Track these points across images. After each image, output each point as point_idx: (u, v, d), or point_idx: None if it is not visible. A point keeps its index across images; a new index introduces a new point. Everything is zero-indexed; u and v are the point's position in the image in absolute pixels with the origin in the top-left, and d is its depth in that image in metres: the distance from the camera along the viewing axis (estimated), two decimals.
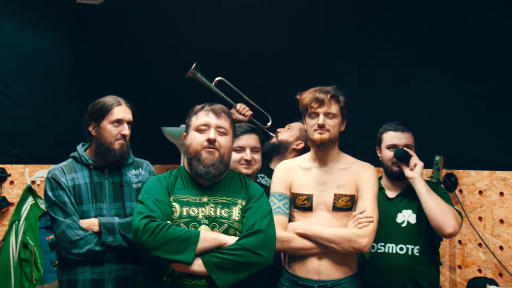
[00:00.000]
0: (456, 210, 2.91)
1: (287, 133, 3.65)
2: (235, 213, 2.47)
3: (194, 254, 2.27)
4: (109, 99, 2.86)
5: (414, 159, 2.97)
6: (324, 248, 2.67)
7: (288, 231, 2.74)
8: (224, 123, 2.55)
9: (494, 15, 3.54)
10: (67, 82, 4.92)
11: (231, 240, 2.34)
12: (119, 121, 2.80)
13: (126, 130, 2.80)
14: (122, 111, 2.82)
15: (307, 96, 2.79)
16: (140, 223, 2.30)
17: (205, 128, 2.52)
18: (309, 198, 2.77)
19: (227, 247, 2.31)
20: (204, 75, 3.66)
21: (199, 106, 2.62)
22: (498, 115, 3.51)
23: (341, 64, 4.92)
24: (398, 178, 3.06)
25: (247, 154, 3.04)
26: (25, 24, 4.62)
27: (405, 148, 3.03)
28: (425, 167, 3.11)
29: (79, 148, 2.90)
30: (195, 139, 2.52)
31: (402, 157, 3.01)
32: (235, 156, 3.04)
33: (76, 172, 2.80)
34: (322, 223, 2.72)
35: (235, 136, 3.03)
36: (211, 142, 2.48)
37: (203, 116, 2.55)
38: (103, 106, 2.82)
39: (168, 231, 2.28)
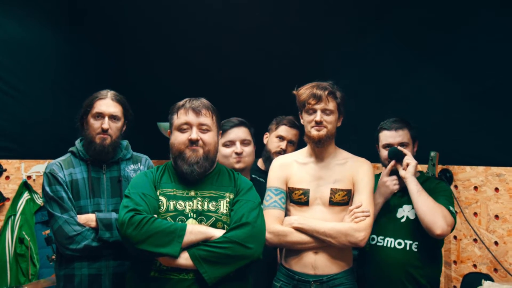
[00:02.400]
0: (451, 210, 2.88)
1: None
2: (223, 206, 2.45)
3: (180, 247, 2.24)
4: (97, 93, 2.86)
5: (407, 159, 2.94)
6: (321, 243, 2.68)
7: (284, 225, 2.74)
8: (206, 119, 2.51)
9: (492, 14, 3.54)
10: (63, 77, 4.90)
11: (218, 233, 2.32)
12: (100, 115, 2.79)
13: (105, 124, 2.77)
14: (103, 104, 2.80)
15: (304, 92, 2.79)
16: (125, 217, 2.27)
17: (186, 128, 2.49)
18: (306, 192, 2.78)
19: (214, 240, 2.29)
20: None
21: (179, 103, 2.57)
22: (493, 112, 3.52)
23: (339, 62, 4.93)
24: (396, 175, 3.04)
25: (237, 147, 3.03)
26: (23, 20, 4.60)
27: (398, 147, 3.00)
28: (421, 162, 3.12)
29: (77, 143, 2.90)
30: (177, 139, 2.50)
31: (395, 156, 2.99)
32: (225, 150, 3.04)
33: (74, 167, 2.80)
34: (319, 218, 2.73)
35: (224, 131, 3.02)
36: (193, 142, 2.46)
37: (183, 115, 2.51)
38: (88, 100, 2.83)
39: (154, 224, 2.25)
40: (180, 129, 2.50)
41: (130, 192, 2.42)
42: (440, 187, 3.03)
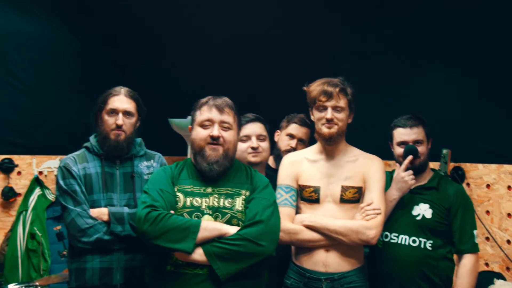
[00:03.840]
0: (476, 243, 2.93)
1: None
2: (238, 203, 2.47)
3: (194, 243, 2.27)
4: (110, 90, 2.88)
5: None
6: (332, 240, 2.67)
7: (295, 223, 2.73)
8: (228, 117, 2.54)
9: (501, 8, 3.51)
10: (74, 73, 4.93)
11: (232, 230, 2.34)
12: (114, 111, 2.81)
13: (120, 120, 2.80)
14: (117, 101, 2.83)
15: (315, 89, 2.77)
16: (142, 212, 2.32)
17: (208, 124, 2.51)
18: (316, 190, 2.77)
19: (228, 237, 2.31)
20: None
21: (203, 100, 2.60)
22: (506, 109, 3.50)
23: (346, 57, 4.91)
24: (413, 173, 3.02)
25: (253, 142, 3.05)
26: (32, 15, 4.62)
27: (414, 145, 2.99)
28: (433, 160, 3.10)
29: (92, 138, 2.93)
30: (199, 135, 2.52)
31: (412, 153, 2.98)
32: (241, 145, 3.04)
33: (88, 162, 2.83)
34: (329, 215, 2.72)
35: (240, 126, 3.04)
36: (214, 138, 2.49)
37: (206, 112, 2.53)
38: (102, 97, 2.86)
39: (169, 220, 2.29)
40: (202, 125, 2.52)
41: (148, 188, 2.46)
42: (464, 200, 3.01)
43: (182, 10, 5.04)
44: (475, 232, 2.94)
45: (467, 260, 2.90)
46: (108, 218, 2.70)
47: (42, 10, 4.71)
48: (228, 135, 2.53)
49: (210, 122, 2.51)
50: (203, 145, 2.50)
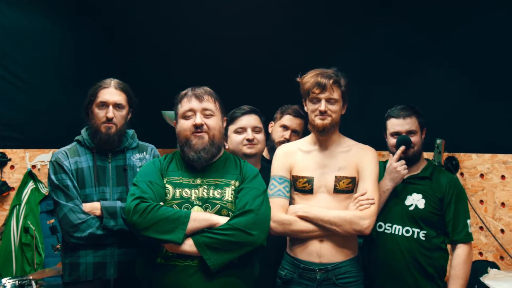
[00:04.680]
0: (469, 233, 2.93)
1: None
2: (228, 194, 2.48)
3: (184, 234, 2.28)
4: (100, 82, 2.86)
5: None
6: (326, 231, 2.67)
7: (289, 213, 2.73)
8: (209, 104, 2.55)
9: (498, 3, 3.51)
10: (68, 66, 4.90)
11: (222, 220, 2.35)
12: (104, 104, 2.80)
13: (110, 112, 2.78)
14: (107, 93, 2.81)
15: (308, 81, 2.75)
16: (131, 204, 2.32)
17: (191, 114, 2.53)
18: (310, 180, 2.76)
19: (218, 227, 2.32)
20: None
21: (182, 93, 2.62)
22: (499, 99, 3.50)
23: (345, 49, 4.89)
24: (406, 163, 3.01)
25: (249, 134, 3.04)
26: (27, 9, 4.59)
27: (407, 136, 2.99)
28: (427, 150, 3.11)
29: (83, 131, 2.91)
30: (183, 126, 2.53)
31: (404, 143, 2.98)
32: (237, 137, 3.05)
33: (80, 155, 2.82)
34: (323, 206, 2.72)
35: (235, 118, 3.04)
36: (198, 127, 2.49)
37: (186, 103, 2.55)
38: (92, 90, 2.84)
39: (158, 211, 2.29)
40: (185, 117, 2.54)
41: (137, 180, 2.47)
42: (457, 189, 3.01)
43: (177, 3, 5.01)
44: (468, 221, 2.94)
45: (461, 250, 2.91)
46: (101, 213, 2.70)
47: (39, 4, 4.68)
48: (212, 122, 2.53)
49: (192, 111, 2.53)
50: (188, 135, 2.51)
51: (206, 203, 2.43)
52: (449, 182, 3.00)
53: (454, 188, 2.99)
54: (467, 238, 2.92)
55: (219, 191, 2.48)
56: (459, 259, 2.89)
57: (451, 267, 2.91)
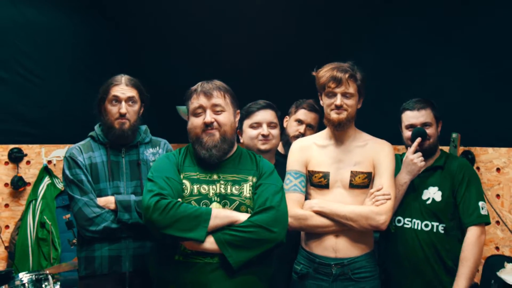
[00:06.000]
0: (483, 214, 2.85)
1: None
2: (246, 190, 2.46)
3: (206, 232, 2.26)
4: (111, 79, 2.87)
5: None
6: (341, 226, 2.66)
7: (304, 209, 2.73)
8: (218, 100, 2.50)
9: None
10: (82, 62, 4.92)
11: (243, 217, 2.33)
12: (116, 100, 2.81)
13: (123, 108, 2.79)
14: (118, 90, 2.82)
15: (324, 75, 2.73)
16: (150, 201, 2.28)
17: (200, 111, 2.49)
18: (326, 175, 2.75)
19: (239, 224, 2.30)
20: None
21: (192, 88, 2.57)
22: None
23: (359, 44, 4.87)
24: (422, 156, 2.99)
25: (264, 129, 3.03)
26: (41, 6, 4.61)
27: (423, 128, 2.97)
28: (442, 144, 3.08)
29: (96, 127, 2.92)
30: (193, 123, 2.50)
31: (420, 135, 2.96)
32: (252, 132, 3.04)
33: (93, 151, 2.83)
34: (339, 201, 2.71)
35: (251, 113, 3.03)
36: (208, 125, 2.46)
37: (196, 100, 2.50)
38: (103, 87, 2.85)
39: (180, 208, 2.26)
40: (195, 114, 2.50)
41: (153, 175, 2.42)
42: (471, 177, 2.96)
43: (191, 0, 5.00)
44: (480, 203, 2.87)
45: (471, 233, 2.83)
46: (115, 207, 2.70)
47: (53, 1, 4.70)
48: (223, 118, 2.49)
49: (201, 109, 2.48)
50: (199, 132, 2.48)
51: (224, 199, 2.41)
52: (459, 166, 2.98)
53: (465, 170, 2.96)
54: (478, 220, 2.84)
55: (237, 187, 2.45)
56: (468, 241, 2.82)
57: (461, 250, 2.84)
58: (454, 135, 3.68)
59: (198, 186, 2.44)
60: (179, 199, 2.34)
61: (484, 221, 2.85)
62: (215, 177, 2.47)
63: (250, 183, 2.48)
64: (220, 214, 2.31)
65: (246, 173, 2.51)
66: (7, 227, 4.43)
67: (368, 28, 4.81)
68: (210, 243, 2.27)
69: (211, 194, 2.42)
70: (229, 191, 2.44)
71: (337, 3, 4.83)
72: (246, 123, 3.10)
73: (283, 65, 5.07)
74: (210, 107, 2.48)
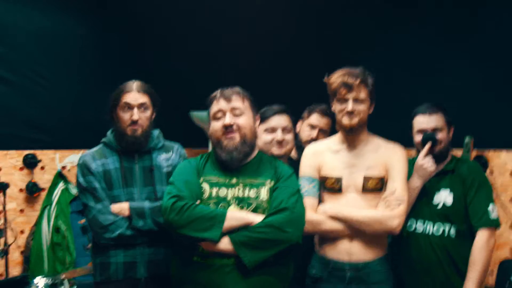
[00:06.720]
0: (493, 219, 2.83)
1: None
2: (264, 193, 2.49)
3: (221, 232, 2.31)
4: (122, 86, 2.86)
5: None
6: (355, 230, 2.67)
7: (318, 213, 2.73)
8: (238, 103, 2.55)
9: None
10: (95, 67, 4.95)
11: (258, 218, 2.37)
12: (128, 106, 2.80)
13: (135, 115, 2.78)
14: (130, 97, 2.80)
15: (335, 81, 2.74)
16: (168, 202, 2.38)
17: (220, 115, 2.54)
18: (339, 180, 2.76)
19: (253, 225, 2.34)
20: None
21: (212, 95, 2.63)
22: None
23: (374, 47, 4.86)
24: (432, 156, 2.99)
25: (278, 135, 3.02)
26: (50, 11, 4.65)
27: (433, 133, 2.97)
28: (455, 147, 3.07)
29: (109, 133, 2.93)
30: (214, 127, 2.56)
31: (430, 139, 2.96)
32: (266, 137, 3.03)
33: (107, 157, 2.83)
34: (352, 205, 2.72)
35: (266, 117, 3.04)
36: (227, 127, 2.51)
37: (216, 104, 2.57)
38: (114, 94, 2.84)
39: (195, 210, 2.34)
40: (215, 118, 2.56)
41: (174, 179, 2.52)
42: (481, 181, 2.94)
43: (202, 3, 5.03)
44: (490, 206, 2.85)
45: (480, 236, 2.81)
46: (129, 213, 2.71)
47: (58, 5, 4.73)
48: (242, 120, 2.54)
49: (221, 112, 2.54)
50: (219, 136, 2.53)
51: (242, 202, 2.45)
52: (469, 169, 2.96)
53: (475, 173, 2.94)
54: (487, 223, 2.82)
55: (255, 190, 2.49)
56: (477, 244, 2.79)
57: (471, 254, 2.82)
58: (467, 139, 3.67)
59: (216, 189, 2.49)
60: (197, 202, 2.40)
61: (493, 225, 2.83)
62: (234, 181, 2.51)
63: (268, 186, 2.51)
64: (235, 216, 2.36)
65: (264, 178, 2.54)
66: (22, 232, 4.47)
67: (368, 28, 4.82)
68: (225, 243, 2.32)
69: (229, 197, 2.46)
70: (246, 194, 2.48)
71: (337, 4, 4.84)
72: (261, 127, 3.10)
73: (283, 65, 5.08)
74: (230, 110, 2.53)
